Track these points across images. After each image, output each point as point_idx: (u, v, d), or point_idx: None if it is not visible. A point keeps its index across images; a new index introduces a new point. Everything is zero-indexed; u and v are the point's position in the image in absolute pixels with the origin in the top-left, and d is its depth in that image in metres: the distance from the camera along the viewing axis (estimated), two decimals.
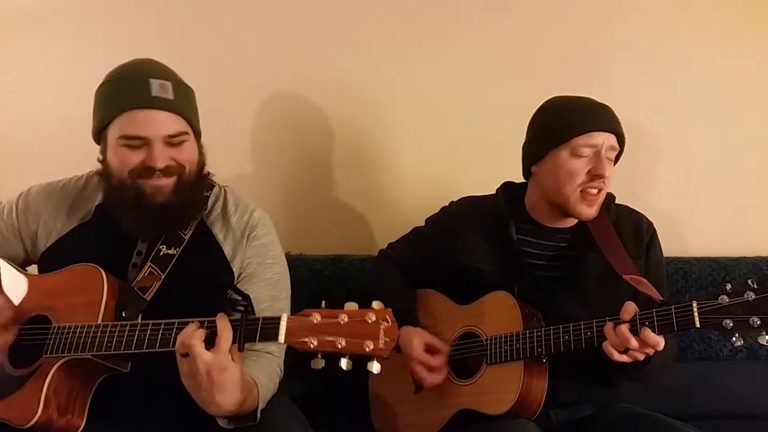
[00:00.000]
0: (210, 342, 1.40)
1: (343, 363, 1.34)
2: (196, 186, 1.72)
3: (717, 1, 2.50)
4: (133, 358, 1.60)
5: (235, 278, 1.76)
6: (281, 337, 1.37)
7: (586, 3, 2.52)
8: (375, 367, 1.35)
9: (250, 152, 2.59)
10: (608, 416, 1.83)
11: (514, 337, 1.79)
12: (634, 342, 1.58)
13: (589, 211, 1.85)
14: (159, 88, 1.62)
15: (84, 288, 1.63)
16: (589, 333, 1.68)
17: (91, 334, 1.54)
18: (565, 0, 2.53)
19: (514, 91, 2.49)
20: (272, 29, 2.54)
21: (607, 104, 1.87)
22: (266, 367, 1.67)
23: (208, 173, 1.80)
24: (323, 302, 1.39)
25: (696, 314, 1.53)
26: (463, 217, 2.05)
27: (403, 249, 2.16)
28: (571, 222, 1.92)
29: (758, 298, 1.48)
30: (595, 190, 1.82)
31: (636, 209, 2.00)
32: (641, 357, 1.61)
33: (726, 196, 2.55)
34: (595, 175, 1.81)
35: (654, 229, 1.96)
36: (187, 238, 1.73)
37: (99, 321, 1.57)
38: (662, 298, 1.69)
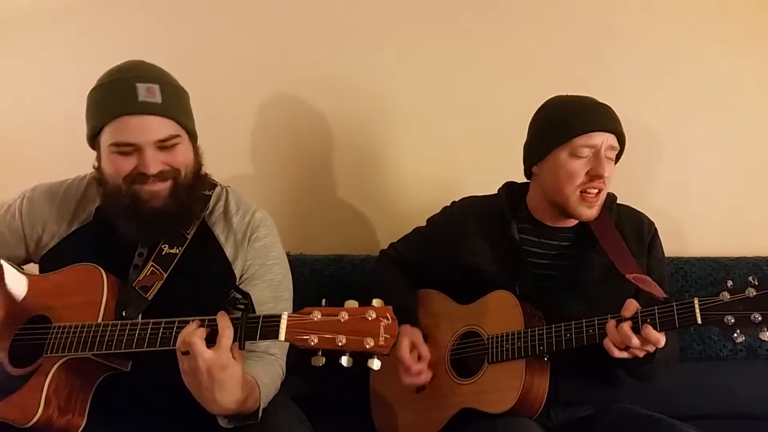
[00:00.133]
0: (211, 340, 1.40)
1: (344, 360, 1.34)
2: (194, 188, 1.71)
3: (717, 1, 2.50)
4: (134, 357, 1.60)
5: (237, 280, 1.75)
6: (282, 335, 1.37)
7: (587, 3, 2.52)
8: (375, 364, 1.35)
9: (250, 152, 2.59)
10: (608, 416, 1.83)
11: (516, 335, 1.79)
12: (635, 340, 1.59)
13: (589, 213, 1.85)
14: (146, 92, 1.60)
15: (84, 288, 1.63)
16: (591, 331, 1.68)
17: (91, 334, 1.54)
18: (565, 0, 2.53)
19: (515, 90, 2.49)
20: (273, 29, 2.54)
21: (607, 104, 1.87)
22: (268, 368, 1.67)
23: (206, 174, 1.80)
24: (324, 300, 1.39)
25: (697, 310, 1.54)
26: (464, 217, 2.05)
27: (405, 249, 2.17)
28: (573, 221, 1.93)
29: (759, 295, 1.48)
30: (595, 191, 1.83)
31: (637, 209, 2.00)
32: (641, 354, 1.62)
33: (726, 196, 2.55)
34: (594, 176, 1.81)
35: (655, 229, 1.96)
36: (189, 237, 1.73)
37: (99, 320, 1.57)
38: (665, 296, 1.70)
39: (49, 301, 1.66)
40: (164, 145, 1.63)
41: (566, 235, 1.95)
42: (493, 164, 2.37)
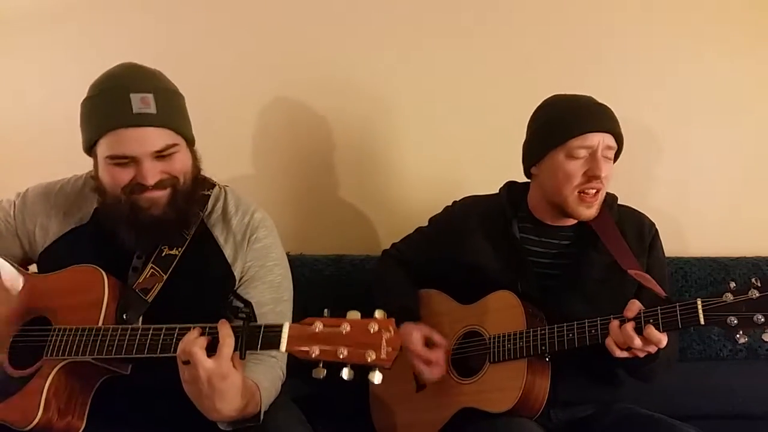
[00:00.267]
0: (211, 349, 1.39)
1: (345, 373, 1.32)
2: (192, 194, 1.71)
3: (717, 1, 2.50)
4: (134, 361, 1.59)
5: (237, 281, 1.75)
6: (283, 346, 1.36)
7: (587, 3, 2.52)
8: (376, 377, 1.33)
9: (250, 153, 2.59)
10: (608, 416, 1.84)
11: (518, 335, 1.80)
12: (637, 341, 1.59)
13: (588, 213, 1.85)
14: (140, 102, 1.57)
15: (85, 289, 1.62)
16: (593, 331, 1.69)
17: (91, 338, 1.54)
18: (565, 0, 2.52)
19: (515, 90, 2.48)
20: (273, 30, 2.54)
21: (605, 103, 1.88)
22: (269, 371, 1.66)
23: (205, 177, 1.79)
24: (326, 310, 1.38)
25: (700, 311, 1.54)
26: (466, 216, 2.05)
27: (407, 249, 2.17)
28: (573, 220, 1.93)
29: (762, 296, 1.49)
30: (593, 191, 1.83)
31: (638, 210, 2.01)
32: (642, 355, 1.62)
33: (726, 195, 2.55)
34: (591, 176, 1.81)
35: (656, 230, 1.96)
36: (189, 237, 1.73)
37: (100, 323, 1.56)
38: (666, 294, 1.70)
39: (49, 302, 1.65)
40: (162, 154, 1.61)
41: (567, 234, 1.95)
42: (493, 164, 2.36)
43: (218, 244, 1.76)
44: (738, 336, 1.51)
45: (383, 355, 1.31)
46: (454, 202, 2.13)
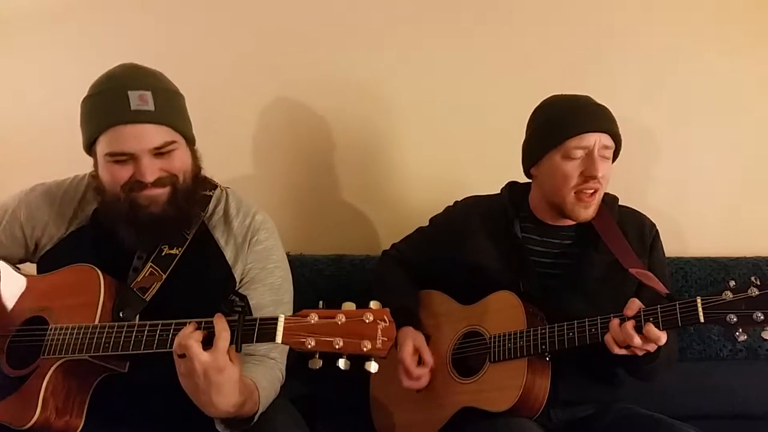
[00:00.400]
0: (208, 343, 1.39)
1: (341, 363, 1.33)
2: (193, 193, 1.70)
3: (717, 1, 2.50)
4: (132, 359, 1.59)
5: (237, 284, 1.75)
6: (279, 337, 1.36)
7: (587, 3, 2.52)
8: (373, 366, 1.34)
9: (251, 153, 2.59)
10: (608, 416, 1.84)
11: (518, 334, 1.80)
12: (637, 339, 1.59)
13: (586, 213, 1.86)
14: (138, 100, 1.58)
15: (81, 289, 1.62)
16: (593, 330, 1.69)
17: (88, 336, 1.54)
18: (564, 1, 2.53)
19: (516, 90, 2.48)
20: (273, 29, 2.54)
21: (605, 103, 1.88)
22: (268, 372, 1.66)
23: (205, 177, 1.79)
24: (321, 302, 1.39)
25: (700, 309, 1.55)
26: (467, 216, 2.05)
27: (407, 249, 2.17)
28: (575, 221, 1.93)
29: (761, 294, 1.49)
30: (590, 191, 1.83)
31: (639, 211, 2.01)
32: (641, 353, 1.62)
33: (726, 195, 2.55)
34: (588, 176, 1.82)
35: (657, 231, 1.97)
36: (189, 238, 1.72)
37: (96, 321, 1.56)
38: (668, 291, 1.71)
39: (46, 301, 1.66)
40: (160, 152, 1.61)
41: (568, 234, 1.95)
42: (494, 164, 2.36)
43: (219, 246, 1.76)
44: (737, 334, 1.52)
45: (379, 345, 1.32)
46: (455, 202, 2.13)
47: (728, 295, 1.53)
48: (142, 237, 1.66)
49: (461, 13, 2.52)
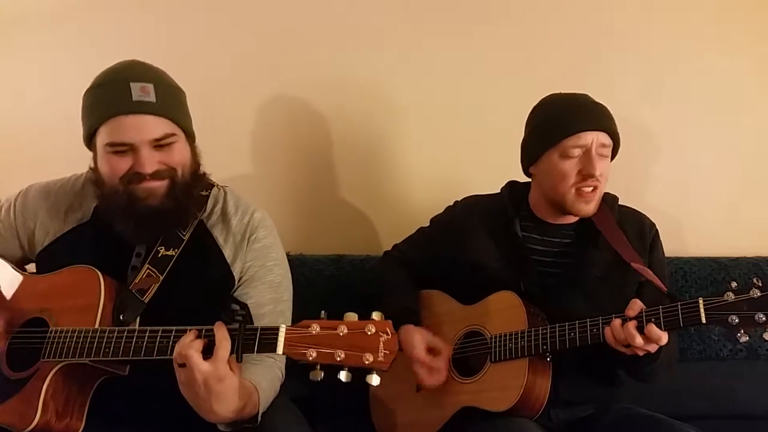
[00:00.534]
0: (208, 351, 1.39)
1: (342, 375, 1.33)
2: (191, 188, 1.70)
3: (717, 1, 2.50)
4: (132, 362, 1.59)
5: (236, 282, 1.75)
6: (280, 348, 1.36)
7: (587, 3, 2.52)
8: (374, 380, 1.34)
9: (250, 152, 2.59)
10: (608, 416, 1.84)
11: (519, 334, 1.80)
12: (639, 339, 1.60)
13: (587, 208, 1.86)
14: (140, 91, 1.59)
15: (81, 291, 1.62)
16: (594, 330, 1.69)
17: (88, 340, 1.53)
18: (565, 0, 2.52)
19: (516, 89, 2.47)
20: (273, 29, 2.54)
21: (606, 102, 1.88)
22: (267, 371, 1.66)
23: (204, 173, 1.79)
24: (322, 312, 1.38)
25: (702, 310, 1.55)
26: (468, 216, 2.06)
27: (408, 249, 2.17)
28: (574, 218, 1.93)
29: (763, 295, 1.50)
30: (590, 188, 1.83)
31: (639, 210, 2.01)
32: (641, 353, 1.62)
33: (726, 195, 2.55)
34: (586, 175, 1.82)
35: (656, 230, 1.97)
36: (186, 239, 1.72)
37: (96, 324, 1.56)
38: (667, 289, 1.73)
39: (46, 303, 1.65)
40: (160, 144, 1.62)
41: (567, 233, 1.95)
42: (494, 163, 2.35)
43: (218, 245, 1.76)
44: (739, 335, 1.52)
45: (381, 358, 1.31)
46: (456, 201, 2.14)
47: (730, 296, 1.53)
48: (140, 230, 1.65)
49: (461, 13, 2.52)
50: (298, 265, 2.18)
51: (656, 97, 2.52)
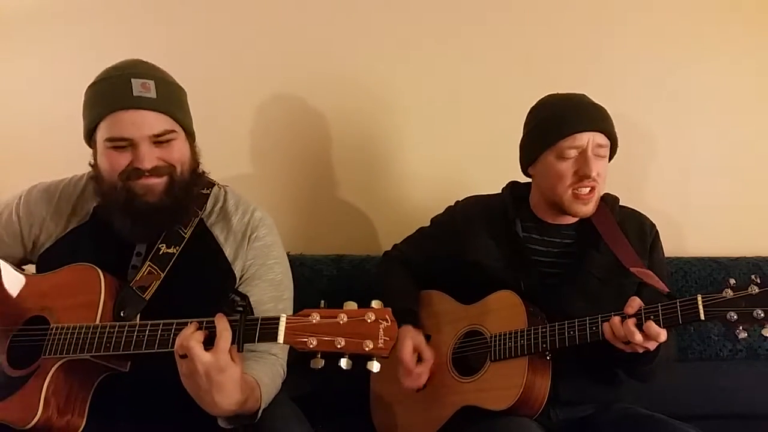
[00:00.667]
0: (209, 343, 1.39)
1: (343, 362, 1.33)
2: (190, 185, 1.71)
3: (717, 1, 2.50)
4: (133, 358, 1.59)
5: (237, 280, 1.75)
6: (280, 337, 1.36)
7: (587, 3, 2.52)
8: (375, 366, 1.34)
9: (251, 152, 2.59)
10: (608, 416, 1.84)
11: (519, 333, 1.80)
12: (638, 336, 1.60)
13: (585, 209, 1.86)
14: (141, 87, 1.60)
15: (81, 288, 1.62)
16: (594, 328, 1.69)
17: (89, 335, 1.53)
18: (565, 0, 2.53)
19: (517, 89, 2.46)
20: (273, 29, 2.54)
21: (606, 102, 1.89)
22: (269, 368, 1.66)
23: (203, 172, 1.79)
24: (322, 302, 1.39)
25: (701, 306, 1.55)
26: (469, 216, 2.06)
27: (408, 249, 2.17)
28: (574, 219, 1.93)
29: (762, 292, 1.50)
30: (587, 189, 1.84)
31: (639, 211, 2.01)
32: (641, 350, 1.62)
33: (726, 195, 2.55)
34: (582, 176, 1.82)
35: (657, 231, 1.97)
36: (187, 236, 1.72)
37: (97, 321, 1.56)
38: (668, 290, 1.72)
39: (47, 301, 1.65)
40: (159, 140, 1.63)
41: (568, 233, 1.96)
42: (495, 163, 2.35)
43: (218, 243, 1.76)
44: (738, 331, 1.52)
45: (381, 344, 1.32)
46: (456, 202, 2.14)
47: (729, 293, 1.53)
48: (138, 227, 1.66)
49: (461, 13, 2.53)
50: (298, 265, 2.18)
51: (656, 97, 2.53)
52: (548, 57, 2.52)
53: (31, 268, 1.81)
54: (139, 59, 1.70)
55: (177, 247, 1.70)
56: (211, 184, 1.83)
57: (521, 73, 2.53)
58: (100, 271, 1.63)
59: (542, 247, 1.95)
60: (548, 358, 1.78)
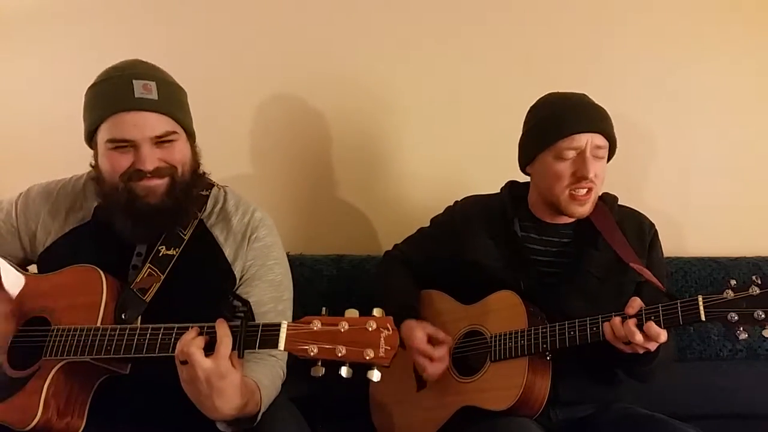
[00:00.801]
0: (209, 348, 1.39)
1: (344, 371, 1.33)
2: (191, 186, 1.71)
3: (717, 1, 2.50)
4: (133, 360, 1.59)
5: (237, 281, 1.75)
6: (281, 344, 1.36)
7: (587, 3, 2.52)
8: (375, 375, 1.34)
9: (250, 152, 2.59)
10: (608, 416, 1.84)
11: (519, 333, 1.80)
12: (639, 336, 1.60)
13: (582, 210, 1.86)
14: (142, 88, 1.60)
15: (83, 289, 1.62)
16: (594, 328, 1.69)
17: (90, 338, 1.53)
18: (565, 0, 2.53)
19: (517, 89, 2.44)
20: (273, 29, 2.54)
21: (606, 102, 1.88)
22: (269, 371, 1.66)
23: (204, 173, 1.79)
24: (324, 309, 1.38)
25: (701, 307, 1.55)
26: (468, 216, 2.06)
27: (408, 249, 2.17)
28: (572, 218, 1.93)
29: (762, 293, 1.50)
30: (584, 191, 1.84)
31: (638, 210, 2.01)
32: (641, 351, 1.63)
33: (725, 195, 2.55)
34: (580, 177, 1.82)
35: (655, 230, 1.97)
36: (186, 238, 1.72)
37: (98, 323, 1.56)
38: (665, 288, 1.73)
39: (48, 302, 1.65)
40: (161, 141, 1.63)
41: (566, 232, 1.96)
42: (494, 163, 2.34)
43: (218, 244, 1.76)
44: (738, 332, 1.52)
45: (381, 353, 1.32)
46: (456, 201, 2.14)
47: (729, 293, 1.53)
48: (139, 228, 1.66)
49: (461, 13, 2.53)
50: (298, 265, 2.18)
51: (656, 97, 2.52)
52: (548, 57, 2.52)
53: (33, 269, 1.81)
54: (139, 59, 1.70)
55: (176, 249, 1.70)
56: (211, 185, 1.83)
57: (521, 73, 2.53)
58: (102, 273, 1.63)
59: (540, 246, 1.95)
60: (548, 358, 1.78)
